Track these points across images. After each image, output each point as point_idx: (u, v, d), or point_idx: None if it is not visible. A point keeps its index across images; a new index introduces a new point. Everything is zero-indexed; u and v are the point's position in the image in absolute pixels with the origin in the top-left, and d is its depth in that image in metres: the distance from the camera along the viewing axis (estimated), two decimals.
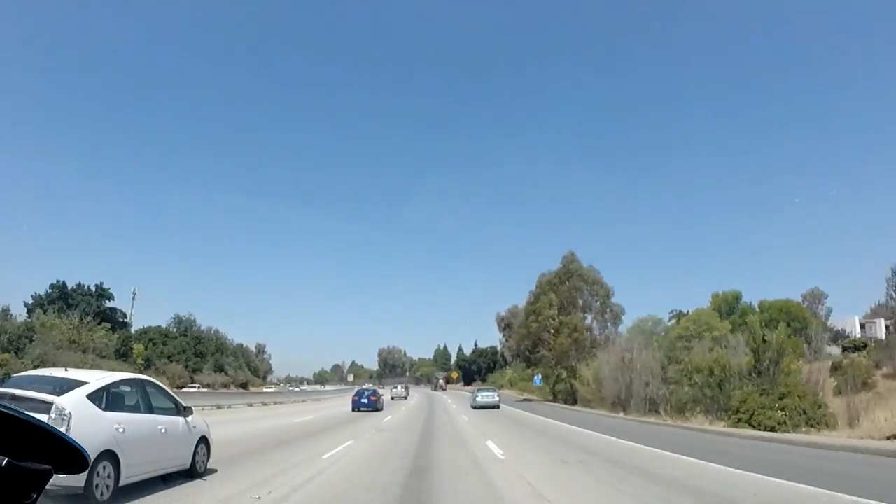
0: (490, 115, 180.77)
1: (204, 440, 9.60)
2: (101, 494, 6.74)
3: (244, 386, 75.95)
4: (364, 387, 49.45)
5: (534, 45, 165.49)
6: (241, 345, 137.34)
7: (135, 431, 7.67)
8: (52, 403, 6.69)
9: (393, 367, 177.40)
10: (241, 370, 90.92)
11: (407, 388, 69.11)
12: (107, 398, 7.53)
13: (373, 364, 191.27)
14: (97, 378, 7.80)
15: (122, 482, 7.21)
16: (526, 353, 53.79)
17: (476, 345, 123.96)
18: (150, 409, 8.42)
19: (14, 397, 6.70)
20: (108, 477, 6.97)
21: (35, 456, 1.24)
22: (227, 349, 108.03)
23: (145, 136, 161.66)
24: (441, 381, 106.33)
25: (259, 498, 7.93)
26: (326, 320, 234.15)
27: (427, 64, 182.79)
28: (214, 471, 9.84)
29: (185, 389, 47.65)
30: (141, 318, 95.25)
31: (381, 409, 34.04)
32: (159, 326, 75.91)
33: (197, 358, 73.58)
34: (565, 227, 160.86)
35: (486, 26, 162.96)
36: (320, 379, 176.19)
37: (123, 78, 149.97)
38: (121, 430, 7.40)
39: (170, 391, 9.89)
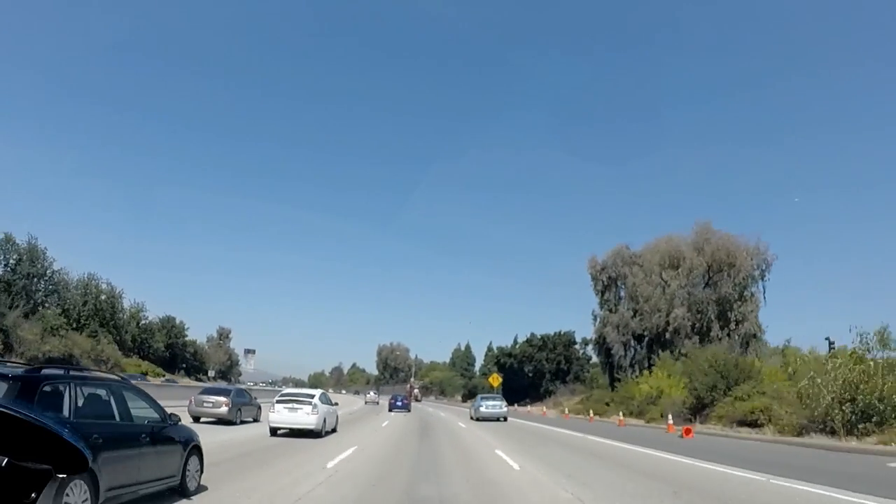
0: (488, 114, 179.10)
1: (338, 417, 21.72)
2: (323, 430, 18.20)
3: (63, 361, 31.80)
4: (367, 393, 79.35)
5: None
6: (172, 318, 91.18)
7: (329, 412, 19.53)
8: (312, 400, 18.22)
9: (395, 371, 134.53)
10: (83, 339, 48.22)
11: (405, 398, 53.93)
12: (321, 399, 18.99)
13: (375, 367, 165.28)
14: (318, 391, 20.25)
15: (325, 429, 18.62)
16: None
17: (516, 339, 77.87)
18: (329, 403, 20.02)
19: (297, 400, 18.26)
20: (326, 426, 18.75)
21: (35, 456, 1.25)
22: (117, 310, 64.46)
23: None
24: (416, 391, 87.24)
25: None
26: (328, 323, 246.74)
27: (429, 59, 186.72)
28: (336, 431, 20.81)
29: None
30: None
31: (411, 411, 43.81)
32: None
33: None
34: (570, 222, 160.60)
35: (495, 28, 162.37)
36: (315, 382, 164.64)
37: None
38: (325, 410, 18.76)
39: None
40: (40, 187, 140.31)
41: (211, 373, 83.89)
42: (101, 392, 6.45)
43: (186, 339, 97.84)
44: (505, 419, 32.47)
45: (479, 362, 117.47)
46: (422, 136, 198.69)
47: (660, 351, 41.23)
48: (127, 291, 74.68)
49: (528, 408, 59.02)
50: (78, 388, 5.95)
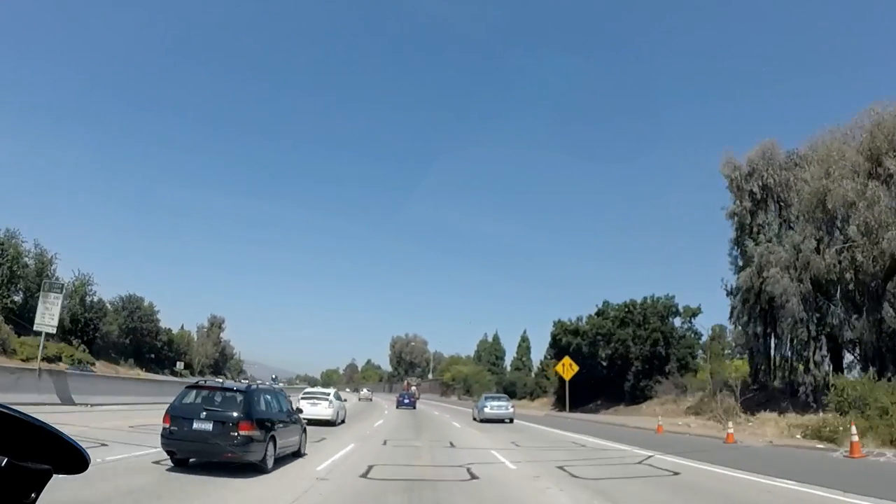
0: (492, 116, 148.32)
1: (346, 411, 27.21)
2: (338, 420, 24.60)
3: None
4: (362, 391, 78.95)
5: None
6: (138, 298, 75.16)
7: (340, 406, 25.51)
8: (328, 397, 24.42)
9: (411, 366, 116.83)
10: None
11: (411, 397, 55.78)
12: (335, 396, 25.27)
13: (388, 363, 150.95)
14: (332, 390, 27.32)
15: (338, 419, 24.87)
16: None
17: (556, 321, 58.98)
18: (340, 400, 26.11)
19: (317, 397, 24.06)
20: (339, 416, 24.92)
21: (35, 456, 1.24)
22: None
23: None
24: (413, 389, 76.88)
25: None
26: (342, 321, 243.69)
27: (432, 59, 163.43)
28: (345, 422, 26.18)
29: None
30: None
31: (416, 408, 47.49)
32: None
33: None
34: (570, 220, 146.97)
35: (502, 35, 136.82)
36: (327, 379, 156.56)
37: None
38: (338, 404, 24.83)
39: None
40: (41, 182, 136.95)
41: (180, 364, 67.20)
42: (269, 395, 12.23)
43: (159, 324, 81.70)
44: (511, 420, 32.05)
45: (510, 354, 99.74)
46: (423, 135, 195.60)
47: (877, 311, 22.47)
48: (130, 288, 58.82)
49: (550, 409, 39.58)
50: (265, 394, 12.00)
